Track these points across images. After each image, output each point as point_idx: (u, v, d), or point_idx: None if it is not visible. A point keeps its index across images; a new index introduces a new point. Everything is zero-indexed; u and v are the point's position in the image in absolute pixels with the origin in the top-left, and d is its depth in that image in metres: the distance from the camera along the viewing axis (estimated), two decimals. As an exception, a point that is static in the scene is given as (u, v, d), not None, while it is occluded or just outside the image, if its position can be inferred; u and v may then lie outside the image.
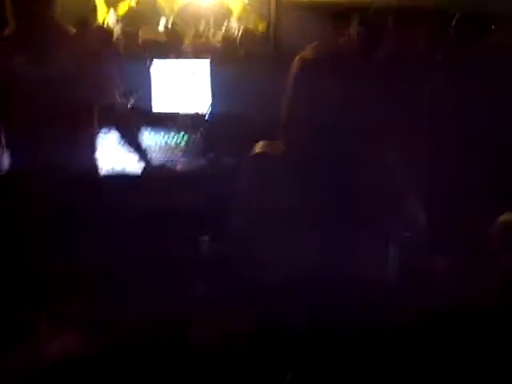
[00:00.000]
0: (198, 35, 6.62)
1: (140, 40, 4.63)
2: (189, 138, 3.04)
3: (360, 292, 1.44)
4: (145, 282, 2.47)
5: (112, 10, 10.92)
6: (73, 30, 2.46)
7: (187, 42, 5.68)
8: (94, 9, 10.55)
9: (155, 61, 3.22)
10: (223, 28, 9.46)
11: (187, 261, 2.56)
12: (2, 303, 2.23)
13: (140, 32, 4.70)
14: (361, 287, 1.45)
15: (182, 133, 3.07)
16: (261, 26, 7.14)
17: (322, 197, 1.42)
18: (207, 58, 3.30)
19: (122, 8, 11.83)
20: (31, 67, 2.22)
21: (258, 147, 1.58)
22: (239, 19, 10.92)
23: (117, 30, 4.71)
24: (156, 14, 11.92)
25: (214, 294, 2.12)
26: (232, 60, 3.65)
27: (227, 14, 11.64)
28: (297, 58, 1.48)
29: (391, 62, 1.72)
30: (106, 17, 10.56)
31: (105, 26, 5.20)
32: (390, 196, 1.51)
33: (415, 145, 2.29)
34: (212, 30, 9.61)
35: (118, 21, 9.41)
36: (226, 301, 2.04)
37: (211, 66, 3.15)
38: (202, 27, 7.87)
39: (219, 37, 7.35)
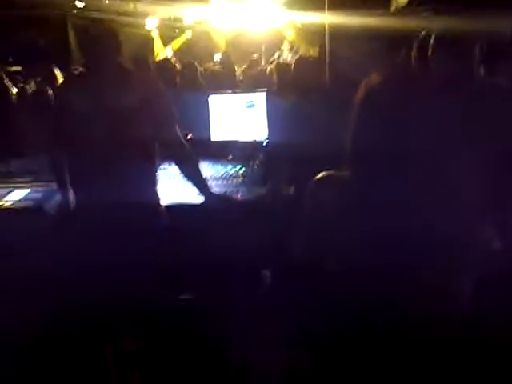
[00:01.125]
0: (251, 64, 6.70)
1: (199, 71, 4.73)
2: (247, 168, 3.05)
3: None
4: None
5: (169, 46, 11.38)
6: (137, 69, 2.53)
7: (240, 71, 5.77)
8: (152, 48, 11.02)
9: (213, 95, 3.26)
10: (276, 56, 9.57)
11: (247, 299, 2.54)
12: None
13: (197, 63, 4.78)
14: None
15: (241, 163, 3.08)
16: (313, 52, 7.17)
17: (389, 229, 1.37)
18: (263, 88, 3.31)
19: (177, 43, 12.25)
20: (97, 104, 2.30)
21: (320, 176, 1.55)
22: (291, 47, 11.03)
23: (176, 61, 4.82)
24: (210, 46, 12.28)
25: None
26: (288, 88, 3.66)
27: (280, 42, 11.81)
28: (362, 83, 1.45)
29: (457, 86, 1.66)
30: (163, 52, 10.98)
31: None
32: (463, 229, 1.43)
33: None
34: (264, 58, 9.75)
35: (174, 54, 9.74)
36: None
37: (268, 96, 3.16)
38: (255, 56, 7.96)
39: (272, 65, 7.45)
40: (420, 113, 1.39)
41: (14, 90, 4.09)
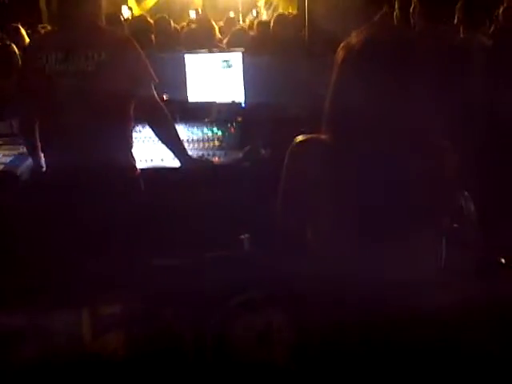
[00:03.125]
0: (227, 22, 6.53)
1: (173, 28, 4.59)
2: (225, 130, 2.99)
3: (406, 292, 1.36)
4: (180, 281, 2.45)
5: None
6: (110, 26, 2.43)
7: (217, 30, 5.61)
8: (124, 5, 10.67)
9: (189, 54, 3.16)
10: (252, 15, 9.38)
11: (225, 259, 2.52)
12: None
13: (172, 21, 4.63)
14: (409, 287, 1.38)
15: (218, 124, 3.02)
16: (291, 11, 7.02)
17: (371, 190, 1.34)
18: (241, 47, 3.21)
19: (151, 1, 11.91)
20: (67, 62, 2.21)
21: (298, 139, 1.50)
22: (268, 5, 10.81)
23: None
24: (185, 3, 11.97)
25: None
26: (266, 47, 3.57)
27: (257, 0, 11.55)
28: (342, 45, 1.39)
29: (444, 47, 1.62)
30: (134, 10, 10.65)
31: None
32: (441, 186, 1.42)
33: (465, 133, 2.20)
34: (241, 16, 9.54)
35: (148, 12, 9.46)
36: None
37: (245, 56, 3.07)
38: (231, 14, 7.77)
39: (249, 23, 7.28)
40: (402, 74, 1.34)
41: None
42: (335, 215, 1.41)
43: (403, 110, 1.32)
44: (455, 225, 1.81)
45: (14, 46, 3.65)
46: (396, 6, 2.90)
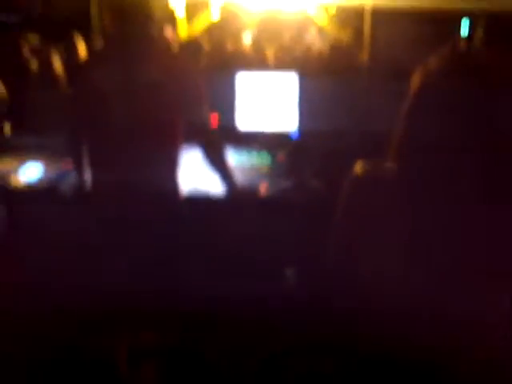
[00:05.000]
0: (281, 48, 6.49)
1: (226, 52, 4.58)
2: (274, 158, 2.89)
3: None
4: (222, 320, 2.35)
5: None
6: (165, 44, 2.42)
7: (270, 54, 5.57)
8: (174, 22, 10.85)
9: (241, 74, 3.08)
10: (306, 40, 9.33)
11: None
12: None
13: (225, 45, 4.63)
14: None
15: (267, 152, 2.93)
16: (346, 39, 6.94)
17: (435, 225, 1.22)
18: (294, 71, 3.12)
19: (203, 22, 12.06)
20: (123, 80, 2.19)
21: (359, 168, 1.38)
22: (322, 31, 10.79)
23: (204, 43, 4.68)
24: (237, 28, 12.09)
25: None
26: (320, 74, 3.50)
27: (309, 25, 11.57)
28: (420, 67, 1.28)
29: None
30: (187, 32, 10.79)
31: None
32: None
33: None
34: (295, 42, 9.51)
35: (201, 34, 9.56)
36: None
37: (299, 81, 2.97)
38: (285, 40, 7.74)
39: (302, 49, 7.24)
40: (484, 103, 1.22)
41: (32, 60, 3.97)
42: (399, 251, 1.29)
43: (484, 141, 1.21)
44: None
45: (56, 58, 3.69)
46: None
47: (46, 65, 3.81)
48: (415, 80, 1.30)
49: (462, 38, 2.85)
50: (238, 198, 2.46)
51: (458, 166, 1.22)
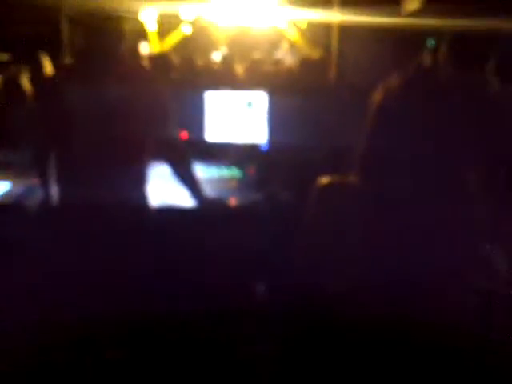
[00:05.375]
0: (252, 64, 6.56)
1: (196, 68, 4.61)
2: (244, 172, 2.91)
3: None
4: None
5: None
6: (133, 63, 2.43)
7: (241, 70, 5.62)
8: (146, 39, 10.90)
9: (210, 91, 3.11)
10: (277, 55, 9.45)
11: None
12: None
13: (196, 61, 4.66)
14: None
15: (237, 166, 2.95)
16: (316, 54, 7.04)
17: (397, 237, 1.27)
18: (263, 88, 3.17)
19: (175, 37, 12.10)
20: (89, 95, 2.18)
21: (324, 179, 1.43)
22: (292, 46, 10.93)
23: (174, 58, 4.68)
24: (209, 43, 12.17)
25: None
26: (289, 89, 3.54)
27: (280, 41, 11.71)
28: (379, 88, 1.33)
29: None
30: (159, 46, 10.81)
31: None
32: (467, 236, 1.33)
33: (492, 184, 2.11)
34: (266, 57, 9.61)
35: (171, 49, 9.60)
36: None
37: (269, 97, 3.02)
38: (256, 55, 7.81)
39: (273, 65, 7.32)
40: (441, 120, 1.28)
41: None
42: (359, 256, 1.33)
43: (438, 156, 1.27)
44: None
45: (24, 77, 3.68)
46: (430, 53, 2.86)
47: (14, 82, 3.80)
48: (376, 97, 1.35)
49: (427, 56, 2.92)
50: (208, 210, 2.47)
51: (415, 179, 1.27)
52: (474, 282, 1.56)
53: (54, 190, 2.40)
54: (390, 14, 3.72)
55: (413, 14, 3.94)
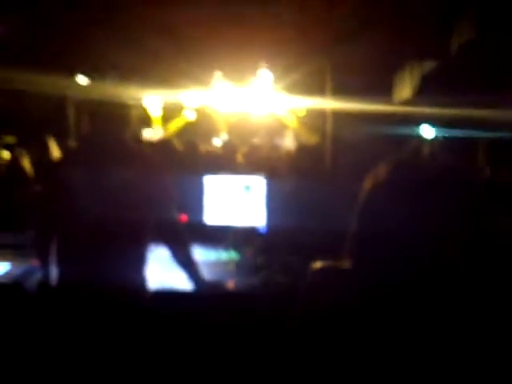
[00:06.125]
0: (251, 148, 6.77)
1: (197, 153, 4.75)
2: (241, 254, 2.94)
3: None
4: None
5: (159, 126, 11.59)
6: (137, 145, 2.49)
7: (241, 155, 5.78)
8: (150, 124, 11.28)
9: (209, 175, 3.20)
10: (277, 142, 9.72)
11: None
12: None
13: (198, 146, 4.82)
14: None
15: (235, 248, 2.98)
16: (313, 140, 7.27)
17: (389, 322, 1.31)
18: (261, 172, 3.26)
19: (177, 124, 12.51)
20: (93, 178, 2.22)
21: (316, 266, 1.47)
22: (293, 133, 11.27)
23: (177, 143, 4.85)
24: (210, 128, 12.55)
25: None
26: (287, 174, 3.65)
27: (280, 127, 12.08)
28: (370, 175, 1.40)
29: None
30: (158, 132, 11.14)
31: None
32: None
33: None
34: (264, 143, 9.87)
35: (174, 135, 9.90)
36: None
37: (268, 181, 3.10)
38: (256, 141, 8.06)
39: (272, 150, 7.54)
40: (425, 208, 1.35)
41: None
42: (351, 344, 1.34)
43: (426, 244, 1.31)
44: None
45: (26, 159, 3.79)
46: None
47: (17, 164, 3.91)
48: (366, 185, 1.42)
49: (420, 142, 3.04)
50: (205, 293, 2.47)
51: (401, 263, 1.31)
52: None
53: (54, 272, 2.39)
54: (384, 102, 3.90)
55: (404, 103, 4.14)
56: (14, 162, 3.98)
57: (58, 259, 2.36)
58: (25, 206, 3.01)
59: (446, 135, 2.77)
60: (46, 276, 2.45)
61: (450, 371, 1.30)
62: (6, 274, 2.76)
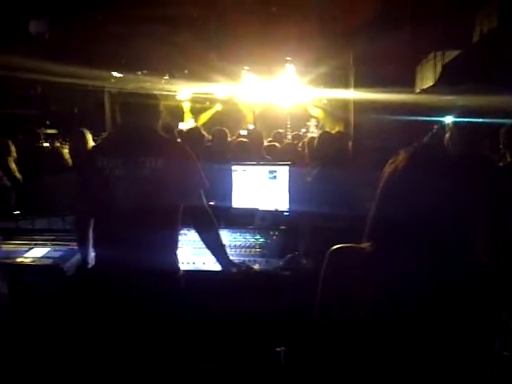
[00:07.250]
0: (275, 137, 6.84)
1: (226, 141, 4.84)
2: (267, 237, 3.02)
3: None
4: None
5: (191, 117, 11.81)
6: (169, 134, 2.54)
7: (267, 143, 5.87)
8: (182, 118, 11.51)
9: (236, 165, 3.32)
10: (302, 131, 9.76)
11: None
12: None
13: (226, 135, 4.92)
14: None
15: (260, 231, 3.07)
16: (338, 128, 7.30)
17: (408, 301, 1.35)
18: (285, 159, 3.35)
19: (207, 115, 12.68)
20: (126, 166, 2.32)
21: (335, 247, 1.54)
22: (317, 123, 11.29)
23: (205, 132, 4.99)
24: (239, 119, 12.66)
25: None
26: (312, 161, 3.70)
27: (305, 118, 12.09)
28: (390, 161, 1.47)
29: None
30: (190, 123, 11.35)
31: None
32: (483, 304, 1.41)
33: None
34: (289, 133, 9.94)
35: (203, 125, 10.06)
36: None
37: (291, 168, 3.19)
38: (280, 130, 8.13)
39: (296, 138, 7.60)
40: (442, 192, 1.40)
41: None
42: (374, 322, 1.41)
43: (445, 224, 1.36)
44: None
45: (64, 149, 3.94)
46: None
47: (56, 153, 4.08)
48: (386, 169, 1.49)
49: (440, 130, 3.06)
50: (233, 274, 2.56)
51: (419, 246, 1.38)
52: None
53: (92, 254, 2.54)
54: (406, 92, 3.94)
55: (425, 92, 4.15)
56: (55, 151, 4.14)
57: (96, 242, 2.49)
58: (64, 193, 3.12)
59: (467, 122, 2.79)
60: (85, 258, 2.58)
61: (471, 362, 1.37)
62: (47, 256, 2.87)
